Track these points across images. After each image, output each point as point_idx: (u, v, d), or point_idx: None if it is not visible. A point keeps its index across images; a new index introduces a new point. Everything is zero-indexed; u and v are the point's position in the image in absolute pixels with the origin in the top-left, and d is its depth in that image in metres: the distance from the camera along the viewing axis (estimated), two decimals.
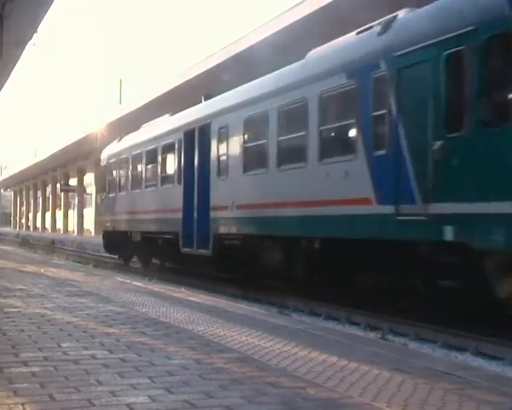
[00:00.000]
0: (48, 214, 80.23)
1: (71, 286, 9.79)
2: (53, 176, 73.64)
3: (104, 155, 25.55)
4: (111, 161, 24.11)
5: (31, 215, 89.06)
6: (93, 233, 58.65)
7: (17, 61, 27.66)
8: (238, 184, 14.50)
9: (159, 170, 19.38)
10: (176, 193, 17.61)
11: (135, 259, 23.68)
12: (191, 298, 8.85)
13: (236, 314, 7.08)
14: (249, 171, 14.14)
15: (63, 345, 4.83)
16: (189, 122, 17.49)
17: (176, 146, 17.86)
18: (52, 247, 42.59)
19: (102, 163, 25.63)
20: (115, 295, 8.68)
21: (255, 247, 14.20)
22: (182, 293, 10.09)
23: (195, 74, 29.99)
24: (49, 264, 16.50)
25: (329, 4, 20.35)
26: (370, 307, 11.39)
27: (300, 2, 21.99)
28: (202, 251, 15.87)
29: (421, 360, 4.89)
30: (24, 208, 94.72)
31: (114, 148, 24.44)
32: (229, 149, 14.92)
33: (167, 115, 21.14)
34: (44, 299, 7.88)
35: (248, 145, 14.32)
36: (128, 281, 11.75)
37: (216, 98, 16.90)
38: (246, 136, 14.46)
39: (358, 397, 3.49)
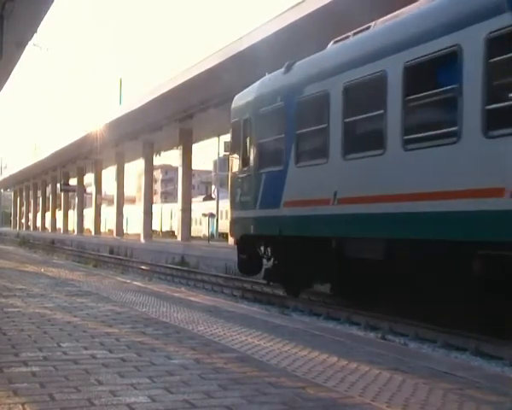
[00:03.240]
0: (48, 214, 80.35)
1: (71, 286, 9.79)
2: (53, 176, 73.72)
3: (240, 102, 14.88)
4: (263, 109, 13.42)
5: (31, 215, 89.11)
6: (93, 233, 58.70)
7: (17, 62, 27.74)
8: None
9: (475, 99, 8.34)
10: None
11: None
12: (191, 298, 8.85)
13: (236, 314, 7.07)
14: None
15: (63, 345, 4.83)
16: None
17: None
18: (52, 246, 42.63)
19: (237, 117, 14.73)
20: (115, 294, 8.68)
21: None
22: (182, 293, 10.09)
23: (195, 74, 30.01)
24: (49, 264, 16.49)
25: (329, 4, 20.36)
26: (370, 308, 11.38)
27: (301, 2, 22.00)
28: None
29: (421, 360, 4.89)
30: (24, 208, 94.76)
31: (273, 84, 13.55)
32: None
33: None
34: (44, 299, 7.87)
35: None
36: (128, 281, 11.75)
37: None
38: None
39: (358, 397, 3.49)
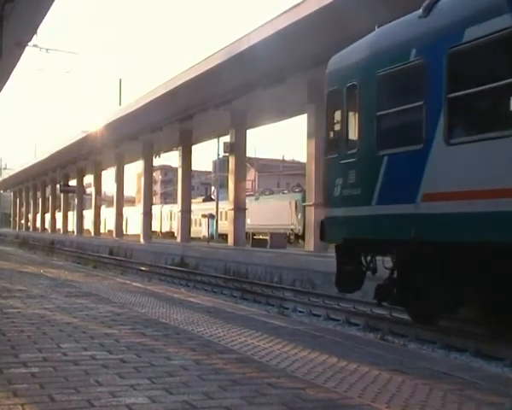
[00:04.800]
0: (47, 215, 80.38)
1: (70, 287, 9.78)
2: (52, 177, 73.72)
3: (341, 64, 11.29)
4: (385, 70, 9.77)
5: (30, 216, 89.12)
6: (92, 234, 58.68)
7: (17, 62, 27.74)
8: None
9: None
10: None
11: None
12: (191, 299, 8.85)
13: (236, 315, 7.07)
14: None
15: (63, 346, 4.83)
16: None
17: None
18: (52, 247, 42.63)
19: (336, 84, 11.16)
20: (115, 295, 8.67)
21: None
22: (181, 294, 10.09)
23: (195, 74, 30.01)
24: (49, 265, 16.48)
25: (328, 5, 20.37)
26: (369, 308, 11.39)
27: (300, 3, 22.02)
28: None
29: (420, 360, 4.89)
30: (24, 209, 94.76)
31: (401, 34, 10.04)
32: None
33: None
34: (44, 300, 7.87)
35: None
36: (128, 282, 11.74)
37: None
38: None
39: (358, 398, 3.49)
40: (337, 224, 10.98)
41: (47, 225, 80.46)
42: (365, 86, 10.21)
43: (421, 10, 9.37)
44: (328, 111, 11.52)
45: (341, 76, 11.00)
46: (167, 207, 67.66)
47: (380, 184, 9.73)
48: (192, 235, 43.53)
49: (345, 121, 10.85)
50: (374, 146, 9.89)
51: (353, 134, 10.68)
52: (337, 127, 11.23)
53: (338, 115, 11.18)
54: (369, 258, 10.63)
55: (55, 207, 77.47)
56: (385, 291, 10.15)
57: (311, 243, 28.31)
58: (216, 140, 47.37)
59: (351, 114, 10.76)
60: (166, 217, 65.61)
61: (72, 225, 70.48)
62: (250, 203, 41.79)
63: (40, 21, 22.56)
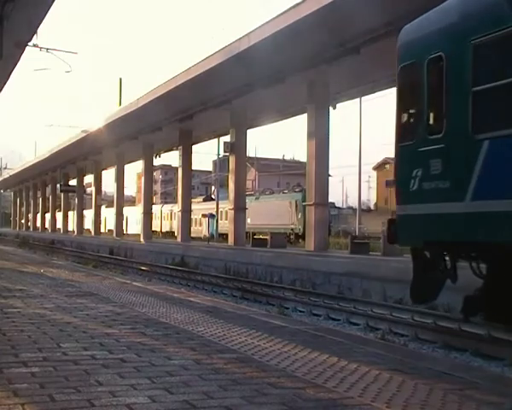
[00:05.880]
0: (47, 215, 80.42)
1: (71, 287, 9.78)
2: (53, 176, 73.74)
3: (419, 33, 9.43)
4: (483, 36, 7.88)
5: (30, 216, 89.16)
6: (92, 233, 58.70)
7: (17, 62, 27.72)
8: None
9: None
10: None
11: None
12: (191, 298, 8.85)
13: (236, 315, 7.07)
14: None
15: (63, 345, 4.83)
16: None
17: None
18: (52, 247, 42.64)
19: (413, 57, 9.28)
20: (115, 295, 8.68)
21: None
22: (181, 293, 10.09)
23: (195, 74, 30.01)
24: (49, 264, 16.48)
25: (328, 5, 20.36)
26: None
27: (300, 2, 22.01)
28: None
29: (421, 360, 4.89)
30: (24, 209, 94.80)
31: None
32: None
33: None
34: (44, 299, 7.87)
35: None
36: (128, 281, 11.74)
37: None
38: None
39: (358, 398, 3.49)
40: (414, 223, 9.18)
41: (47, 225, 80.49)
42: (456, 57, 8.43)
43: None
44: (400, 90, 9.76)
45: (420, 47, 9.19)
46: (167, 207, 67.67)
47: (477, 175, 7.87)
48: (192, 234, 43.55)
49: (425, 101, 8.96)
50: (469, 129, 8.07)
51: (438, 116, 8.87)
52: (413, 109, 9.50)
53: (415, 94, 9.34)
54: (450, 264, 8.93)
55: (56, 207, 77.50)
56: (476, 304, 8.58)
57: (311, 242, 28.29)
58: (216, 140, 47.39)
59: (434, 91, 8.86)
60: (167, 217, 65.64)
61: (72, 225, 70.52)
62: (250, 203, 41.78)
63: (40, 21, 22.54)
